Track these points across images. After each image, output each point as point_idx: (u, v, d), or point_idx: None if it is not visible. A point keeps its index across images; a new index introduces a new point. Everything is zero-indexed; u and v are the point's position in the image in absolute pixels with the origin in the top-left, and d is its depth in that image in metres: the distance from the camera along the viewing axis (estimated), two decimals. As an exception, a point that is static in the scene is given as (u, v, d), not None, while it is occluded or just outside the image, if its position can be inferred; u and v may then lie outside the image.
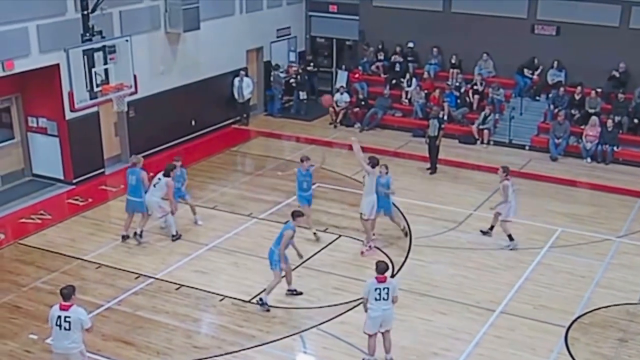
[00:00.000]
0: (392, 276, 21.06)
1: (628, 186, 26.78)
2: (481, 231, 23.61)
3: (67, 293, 15.21)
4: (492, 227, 23.40)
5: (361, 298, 17.33)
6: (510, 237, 22.82)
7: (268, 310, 19.47)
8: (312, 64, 37.90)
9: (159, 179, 22.89)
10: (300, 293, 20.34)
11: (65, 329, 15.16)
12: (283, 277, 19.87)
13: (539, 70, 33.42)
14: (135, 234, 23.19)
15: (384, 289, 16.37)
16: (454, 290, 20.57)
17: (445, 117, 31.89)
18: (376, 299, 16.39)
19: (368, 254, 22.41)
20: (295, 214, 19.70)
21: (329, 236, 23.54)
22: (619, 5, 31.72)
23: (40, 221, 24.76)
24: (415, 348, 17.89)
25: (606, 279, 21.30)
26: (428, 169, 29.17)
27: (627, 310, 19.69)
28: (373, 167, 22.24)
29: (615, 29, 31.86)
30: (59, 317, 15.17)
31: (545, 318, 19.21)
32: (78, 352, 15.34)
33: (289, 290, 20.25)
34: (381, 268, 16.48)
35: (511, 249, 22.73)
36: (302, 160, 23.40)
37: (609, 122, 30.52)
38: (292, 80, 36.46)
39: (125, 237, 23.28)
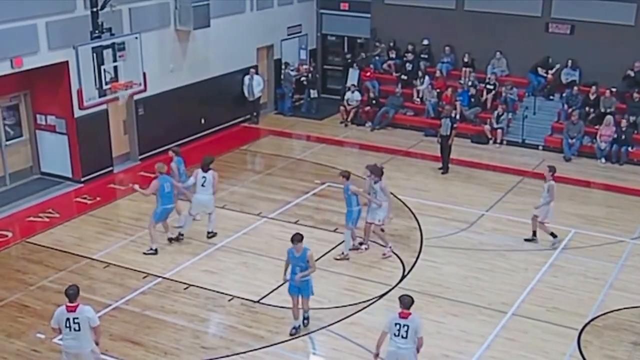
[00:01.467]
0: (403, 277, 21.00)
1: (640, 187, 26.58)
2: (525, 239, 23.08)
3: (73, 293, 15.13)
4: (535, 233, 23.01)
5: (370, 299, 17.10)
6: (553, 235, 22.64)
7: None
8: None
9: (204, 177, 22.61)
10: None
11: (75, 330, 15.08)
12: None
13: (553, 70, 33.13)
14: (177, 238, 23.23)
15: (404, 325, 15.15)
16: (465, 292, 20.41)
17: (458, 117, 31.72)
18: (395, 335, 15.26)
19: (389, 254, 22.30)
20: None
21: (339, 236, 23.25)
22: (635, 3, 31.45)
23: (48, 219, 24.65)
24: (426, 350, 17.36)
25: (620, 281, 21.08)
26: (440, 168, 28.93)
27: (642, 313, 19.52)
28: (380, 177, 22.14)
29: (630, 28, 31.58)
30: (68, 319, 15.08)
31: (558, 320, 19.02)
32: (89, 351, 15.27)
33: None
34: (405, 302, 15.27)
35: (555, 246, 22.53)
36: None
37: (624, 122, 30.28)
38: (303, 79, 36.24)
39: (171, 240, 23.16)
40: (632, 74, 31.66)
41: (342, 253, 22.21)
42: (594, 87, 31.69)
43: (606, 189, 27.68)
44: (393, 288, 20.49)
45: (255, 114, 34.61)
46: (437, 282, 20.87)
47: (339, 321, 18.96)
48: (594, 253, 22.51)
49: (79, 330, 15.06)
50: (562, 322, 18.93)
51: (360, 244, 22.71)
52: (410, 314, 15.08)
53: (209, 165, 22.60)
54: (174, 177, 22.92)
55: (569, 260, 22.10)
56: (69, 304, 15.09)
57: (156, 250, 22.36)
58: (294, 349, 17.91)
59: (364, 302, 19.75)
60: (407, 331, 15.04)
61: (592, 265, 21.78)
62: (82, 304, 15.18)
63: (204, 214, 23.43)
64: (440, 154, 29.06)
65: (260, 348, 17.87)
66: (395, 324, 15.14)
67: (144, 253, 22.27)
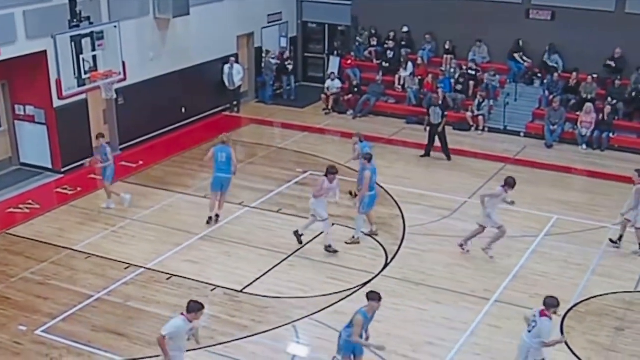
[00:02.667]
0: (386, 265, 21.03)
1: (624, 173, 26.27)
2: (610, 240, 22.60)
3: (192, 307, 14.63)
4: (620, 237, 22.44)
5: (353, 287, 17.02)
6: None
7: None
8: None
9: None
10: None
11: None
12: None
13: (521, 54, 33.36)
14: (217, 216, 23.57)
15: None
16: (448, 279, 20.40)
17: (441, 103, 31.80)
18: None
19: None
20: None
21: (321, 225, 23.05)
22: (615, -11, 31.49)
23: (28, 211, 24.48)
24: (409, 338, 17.74)
25: (602, 267, 21.14)
26: (422, 155, 29.03)
27: (624, 298, 19.54)
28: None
29: (610, 14, 31.58)
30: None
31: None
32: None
33: None
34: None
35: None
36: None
37: (608, 108, 30.29)
38: (289, 67, 36.15)
39: (210, 220, 23.40)
40: (612, 64, 31.68)
41: (353, 237, 22.31)
42: (574, 74, 31.72)
43: (588, 175, 27.74)
44: (376, 276, 20.50)
45: (235, 103, 34.46)
46: (420, 270, 20.84)
47: (322, 310, 18.91)
48: (576, 239, 22.53)
49: None
50: (545, 309, 18.92)
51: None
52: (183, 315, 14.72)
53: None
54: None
55: (551, 247, 22.13)
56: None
57: (213, 217, 23.40)
58: (278, 338, 17.86)
59: (347, 290, 19.70)
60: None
61: (574, 251, 21.79)
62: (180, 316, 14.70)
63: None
64: (428, 141, 29.05)
65: (243, 337, 17.82)
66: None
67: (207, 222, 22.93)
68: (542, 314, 15.11)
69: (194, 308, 14.51)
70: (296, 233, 21.95)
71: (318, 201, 21.57)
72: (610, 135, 30.09)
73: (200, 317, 14.70)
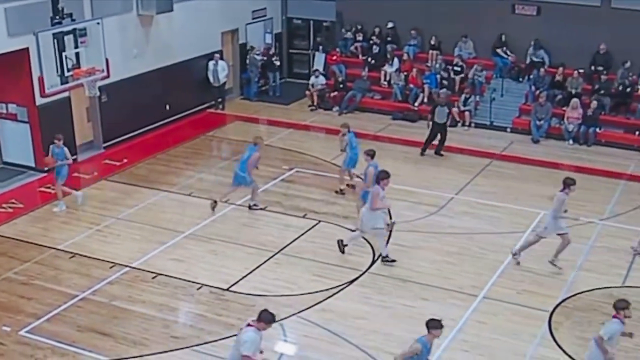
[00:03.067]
0: (373, 262, 20.93)
1: (611, 168, 26.44)
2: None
3: (265, 317, 14.31)
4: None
5: (340, 284, 16.96)
6: None
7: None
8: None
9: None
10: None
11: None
12: None
13: (504, 49, 33.33)
14: (249, 206, 23.97)
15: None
16: (436, 276, 20.32)
17: (425, 99, 31.91)
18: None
19: None
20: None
21: (308, 222, 23.20)
22: (601, -16, 31.45)
23: (11, 210, 24.27)
24: (398, 335, 17.61)
25: (589, 262, 21.12)
26: (422, 154, 28.88)
27: (611, 293, 19.35)
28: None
29: (596, 9, 31.50)
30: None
31: (528, 303, 19.02)
32: None
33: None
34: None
35: None
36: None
37: (592, 104, 30.22)
38: (276, 62, 36.07)
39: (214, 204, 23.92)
40: (598, 68, 31.64)
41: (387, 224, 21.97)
42: (560, 69, 31.67)
43: (575, 170, 27.42)
44: (363, 273, 20.39)
45: (220, 99, 34.26)
46: (408, 267, 20.75)
47: (309, 307, 18.81)
48: (564, 235, 22.42)
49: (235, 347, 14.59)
50: (532, 304, 18.92)
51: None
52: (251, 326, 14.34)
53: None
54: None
55: (538, 242, 21.86)
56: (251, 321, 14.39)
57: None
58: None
59: (334, 288, 19.62)
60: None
61: (562, 247, 21.67)
62: (252, 330, 14.29)
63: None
64: (427, 138, 28.87)
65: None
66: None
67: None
68: (614, 316, 15.19)
69: (267, 318, 14.28)
70: (340, 242, 21.49)
71: (374, 214, 20.80)
72: (597, 130, 30.02)
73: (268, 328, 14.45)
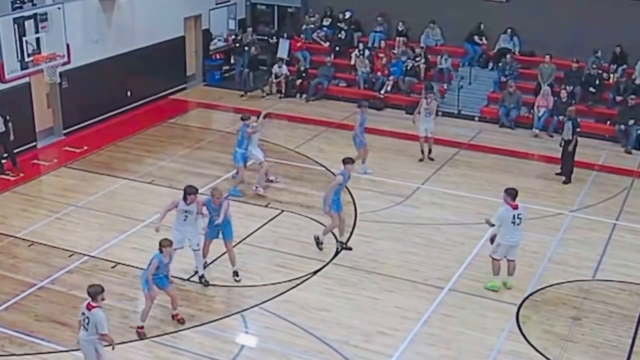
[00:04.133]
0: (337, 253, 20.79)
1: (581, 159, 26.09)
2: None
3: (93, 292, 14.67)
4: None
5: (303, 275, 16.92)
6: None
7: (321, 250, 20.71)
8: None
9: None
10: (350, 249, 20.93)
11: (84, 327, 14.81)
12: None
13: (480, 37, 33.25)
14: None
15: (86, 317, 14.79)
16: (401, 267, 20.19)
17: (389, 88, 31.88)
18: (83, 327, 14.98)
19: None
20: (346, 161, 20.39)
21: (271, 211, 23.04)
22: (571, -32, 31.39)
23: (-31, 197, 24.10)
24: (361, 327, 17.59)
25: (559, 255, 21.02)
26: (558, 173, 26.19)
27: (581, 287, 19.41)
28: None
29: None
30: (83, 314, 14.78)
31: (495, 296, 18.88)
32: (92, 348, 14.87)
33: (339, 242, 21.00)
34: (90, 292, 14.84)
35: None
36: None
37: (562, 92, 30.01)
38: (254, 52, 35.64)
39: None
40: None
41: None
42: (547, 57, 31.29)
43: (544, 160, 27.49)
44: (327, 264, 20.26)
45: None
46: (372, 258, 20.62)
47: (271, 299, 18.68)
48: (532, 226, 21.99)
49: (87, 330, 14.80)
50: (500, 298, 18.80)
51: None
52: (95, 306, 14.65)
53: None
54: None
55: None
56: (89, 302, 14.67)
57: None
58: (226, 328, 17.70)
59: (297, 279, 19.47)
60: (87, 323, 14.74)
61: (530, 238, 21.26)
62: (99, 309, 14.57)
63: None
64: (561, 157, 26.34)
65: (191, 327, 17.57)
66: (82, 313, 14.91)
67: None
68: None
69: (94, 292, 14.67)
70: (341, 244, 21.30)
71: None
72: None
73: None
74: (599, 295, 19.04)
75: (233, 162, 24.17)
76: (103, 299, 14.70)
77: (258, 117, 24.84)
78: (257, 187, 24.04)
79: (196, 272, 19.49)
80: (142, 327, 17.35)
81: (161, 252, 16.93)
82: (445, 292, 19.02)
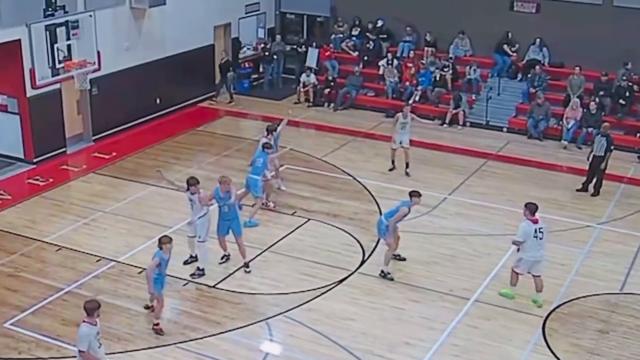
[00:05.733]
0: (363, 262, 20.80)
1: (610, 171, 25.84)
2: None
3: (89, 308, 14.55)
4: None
5: (328, 284, 17.14)
6: None
7: (392, 279, 20.01)
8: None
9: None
10: (404, 259, 20.91)
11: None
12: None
13: (515, 47, 33.12)
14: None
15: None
16: (427, 278, 20.15)
17: (417, 98, 32.19)
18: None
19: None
20: (413, 194, 19.92)
21: (297, 220, 23.08)
22: (603, -17, 31.24)
23: (-1, 201, 24.31)
24: (386, 337, 17.56)
25: (586, 268, 20.86)
26: (581, 188, 25.86)
27: (608, 300, 19.29)
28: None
29: (598, 7, 31.35)
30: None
31: (522, 307, 18.79)
32: None
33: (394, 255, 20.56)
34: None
35: None
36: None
37: (592, 104, 29.82)
38: (274, 56, 36.01)
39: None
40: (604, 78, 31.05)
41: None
42: (577, 68, 31.10)
43: (573, 172, 27.22)
44: (352, 273, 20.25)
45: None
46: (398, 267, 20.53)
47: (296, 307, 18.69)
48: (560, 238, 22.08)
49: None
50: (526, 309, 18.70)
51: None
52: (85, 321, 14.56)
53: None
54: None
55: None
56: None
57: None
58: (250, 335, 17.69)
59: (322, 287, 19.49)
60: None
61: (557, 250, 21.29)
62: (85, 325, 14.52)
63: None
64: (588, 170, 25.85)
65: (216, 334, 17.61)
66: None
67: None
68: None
69: (89, 307, 14.52)
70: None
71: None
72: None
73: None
74: (626, 308, 18.92)
75: (249, 189, 23.24)
76: (98, 315, 14.55)
77: (278, 125, 25.00)
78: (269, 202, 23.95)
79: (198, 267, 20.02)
80: (157, 324, 17.58)
81: (161, 249, 17.20)
82: (471, 303, 18.95)
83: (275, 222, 22.80)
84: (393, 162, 26.81)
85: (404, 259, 20.89)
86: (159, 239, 17.36)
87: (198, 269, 20.08)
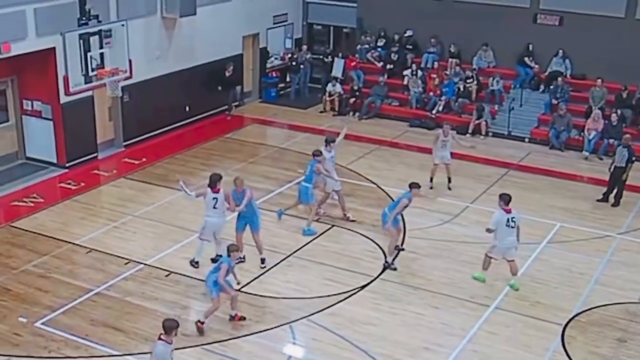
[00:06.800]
0: (385, 269, 20.96)
1: (631, 182, 25.93)
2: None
3: (168, 326, 14.54)
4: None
5: (351, 289, 17.20)
6: None
7: (395, 269, 20.89)
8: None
9: (215, 198, 20.87)
10: (403, 249, 21.82)
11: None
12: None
13: (531, 59, 33.34)
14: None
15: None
16: (447, 284, 20.28)
17: (441, 108, 32.47)
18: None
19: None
20: (413, 185, 20.69)
21: (321, 226, 23.28)
22: (625, -5, 31.32)
23: (32, 204, 24.58)
24: (406, 343, 17.68)
25: (606, 277, 20.91)
26: (602, 198, 25.98)
27: (627, 309, 19.32)
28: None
29: (620, 20, 31.43)
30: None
31: (541, 315, 18.90)
32: None
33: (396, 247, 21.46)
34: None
35: None
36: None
37: (613, 116, 29.94)
38: (301, 66, 36.44)
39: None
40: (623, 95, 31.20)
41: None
42: (599, 81, 31.27)
43: (594, 182, 27.34)
44: (375, 279, 20.42)
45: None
46: (419, 274, 20.75)
47: (319, 311, 18.87)
48: (580, 247, 22.36)
49: None
50: (545, 317, 18.79)
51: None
52: (161, 339, 14.58)
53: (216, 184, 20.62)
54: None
55: (554, 255, 21.95)
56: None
57: None
58: (274, 338, 17.85)
59: (345, 292, 19.66)
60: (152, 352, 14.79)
61: (577, 260, 21.61)
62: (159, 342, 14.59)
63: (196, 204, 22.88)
64: (609, 181, 26.01)
65: (240, 336, 17.82)
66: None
67: None
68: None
69: (167, 327, 14.54)
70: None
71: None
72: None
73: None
74: (645, 318, 19.02)
75: (300, 198, 23.45)
76: (176, 334, 14.53)
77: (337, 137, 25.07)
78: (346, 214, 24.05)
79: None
80: (202, 323, 17.85)
81: (229, 256, 17.68)
82: (491, 310, 19.05)
83: (300, 228, 22.95)
84: (432, 179, 26.46)
85: (403, 249, 21.84)
86: (228, 247, 17.77)
87: (193, 260, 20.82)
